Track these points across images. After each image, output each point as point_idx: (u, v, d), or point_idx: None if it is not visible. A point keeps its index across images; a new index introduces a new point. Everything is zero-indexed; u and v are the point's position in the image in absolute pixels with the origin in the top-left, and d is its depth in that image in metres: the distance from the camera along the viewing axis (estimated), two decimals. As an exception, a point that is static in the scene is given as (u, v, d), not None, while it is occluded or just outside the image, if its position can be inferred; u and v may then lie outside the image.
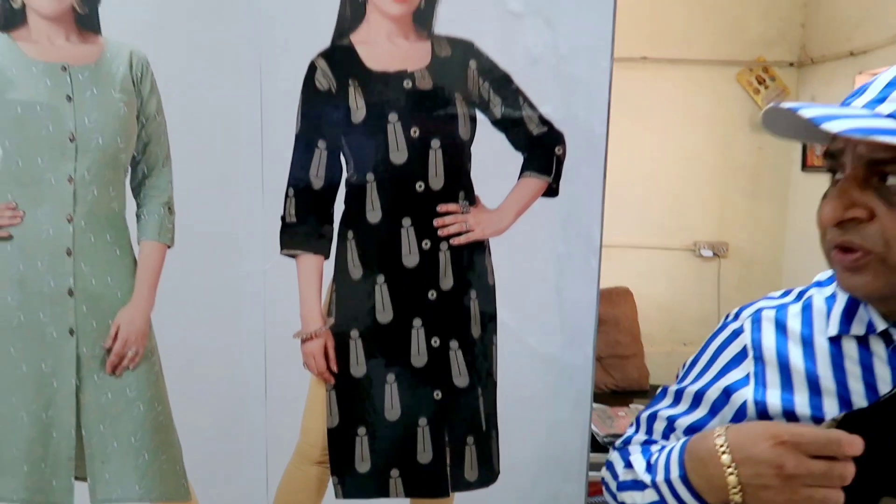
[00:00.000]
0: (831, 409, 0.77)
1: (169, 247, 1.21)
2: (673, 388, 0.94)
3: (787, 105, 0.68)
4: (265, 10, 1.14)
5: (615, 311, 3.61)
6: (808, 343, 0.80)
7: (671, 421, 0.92)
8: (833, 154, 0.72)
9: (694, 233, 4.07)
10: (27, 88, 1.16)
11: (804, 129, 0.70)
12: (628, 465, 0.90)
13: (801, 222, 3.80)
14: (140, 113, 1.18)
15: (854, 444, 0.64)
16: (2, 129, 1.16)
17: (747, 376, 0.84)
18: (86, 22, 1.16)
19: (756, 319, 0.85)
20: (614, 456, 0.95)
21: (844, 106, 0.71)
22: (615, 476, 0.92)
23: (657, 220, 3.95)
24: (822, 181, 0.76)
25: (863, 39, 3.25)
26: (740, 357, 0.85)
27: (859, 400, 0.76)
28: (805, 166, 3.72)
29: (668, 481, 0.78)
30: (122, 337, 1.22)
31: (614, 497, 0.91)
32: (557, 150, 1.19)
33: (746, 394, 0.83)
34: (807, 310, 0.83)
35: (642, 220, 3.85)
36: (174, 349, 1.23)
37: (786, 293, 0.87)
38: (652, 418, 0.95)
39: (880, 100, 0.69)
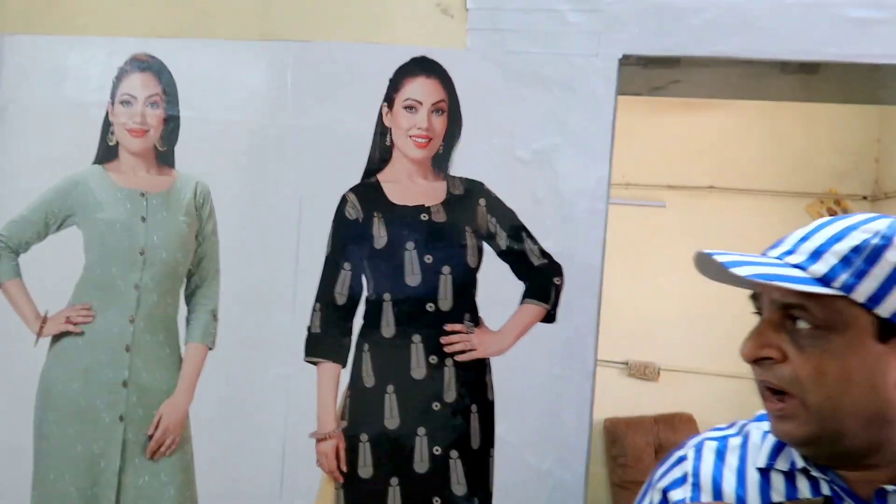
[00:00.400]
0: None
1: (210, 349, 1.38)
2: None
3: (706, 251, 0.77)
4: (307, 149, 1.35)
5: (676, 436, 3.55)
6: (741, 473, 0.86)
7: None
8: (755, 297, 0.79)
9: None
10: (111, 210, 1.39)
11: (729, 275, 0.78)
12: None
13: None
14: (199, 233, 1.39)
15: None
16: (88, 243, 1.40)
17: (683, 500, 0.89)
18: (164, 158, 1.40)
19: (698, 448, 0.91)
20: None
21: (762, 256, 0.79)
22: None
23: (723, 345, 3.91)
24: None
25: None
26: (680, 482, 0.90)
27: None
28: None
29: None
30: (163, 426, 1.38)
31: None
32: (556, 281, 1.31)
33: None
34: (744, 443, 0.88)
35: (708, 345, 3.82)
36: (206, 440, 1.38)
37: (730, 426, 0.93)
38: None
39: (790, 252, 0.75)
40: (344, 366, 1.35)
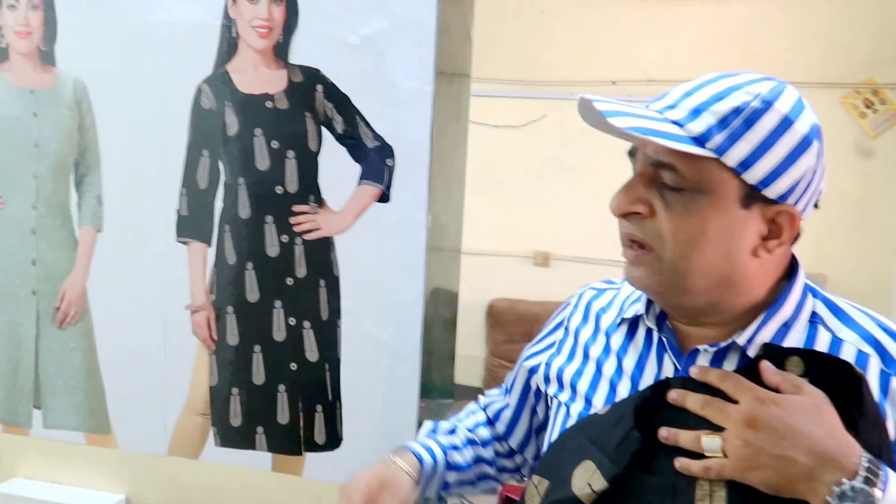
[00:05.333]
0: (588, 374, 0.87)
1: (99, 231, 1.55)
2: None
3: (588, 96, 0.72)
4: (165, 44, 1.44)
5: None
6: (597, 323, 0.91)
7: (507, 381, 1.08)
8: (632, 152, 0.77)
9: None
10: (7, 107, 1.55)
11: (608, 125, 0.72)
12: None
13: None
14: (80, 126, 1.53)
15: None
16: (-8, 138, 1.57)
17: (554, 342, 0.96)
18: (46, 57, 1.53)
19: (580, 296, 0.97)
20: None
21: (644, 108, 0.74)
22: None
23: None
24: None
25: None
26: (558, 326, 0.98)
27: (609, 370, 0.85)
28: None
29: None
30: (67, 299, 1.57)
31: None
32: (388, 162, 1.38)
33: (543, 357, 0.96)
34: (616, 295, 0.93)
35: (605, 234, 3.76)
36: (99, 312, 1.56)
37: (622, 281, 0.94)
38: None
39: (672, 106, 0.72)
40: (209, 245, 1.49)
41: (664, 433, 0.71)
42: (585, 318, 0.93)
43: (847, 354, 0.73)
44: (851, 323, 0.75)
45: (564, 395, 0.89)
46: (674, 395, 0.73)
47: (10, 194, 1.57)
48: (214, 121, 1.44)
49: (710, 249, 0.71)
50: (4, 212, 1.58)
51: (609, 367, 0.86)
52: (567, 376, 0.90)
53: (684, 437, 0.69)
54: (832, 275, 3.73)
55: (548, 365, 0.94)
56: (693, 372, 0.73)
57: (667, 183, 0.71)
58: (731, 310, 0.75)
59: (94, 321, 1.58)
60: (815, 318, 0.76)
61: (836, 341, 0.74)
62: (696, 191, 0.70)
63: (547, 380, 0.94)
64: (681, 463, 0.68)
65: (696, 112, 0.70)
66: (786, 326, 0.75)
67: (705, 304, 0.75)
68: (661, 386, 0.75)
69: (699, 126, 0.69)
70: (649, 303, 0.83)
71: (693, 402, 0.71)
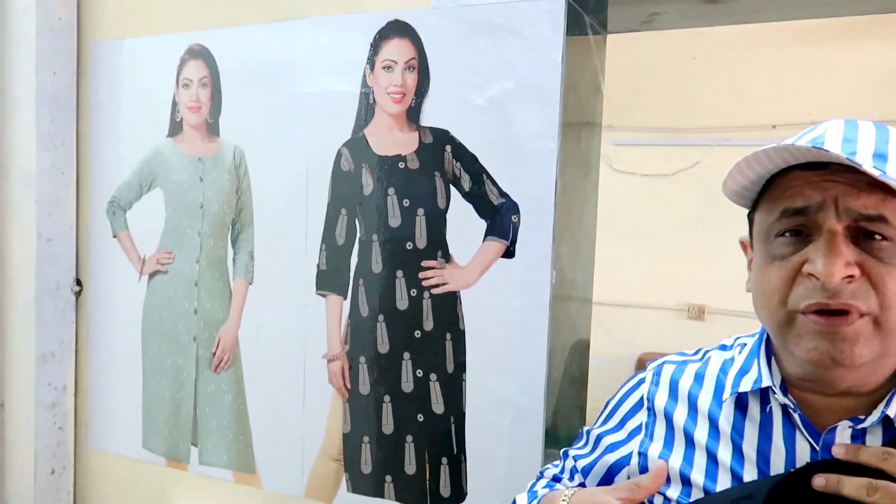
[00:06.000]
0: (700, 463, 0.79)
1: (250, 283, 1.68)
2: (587, 429, 1.02)
3: (829, 150, 0.64)
4: (310, 113, 1.57)
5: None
6: (693, 403, 0.84)
7: (575, 461, 1.00)
8: (802, 211, 0.68)
9: None
10: (179, 173, 1.74)
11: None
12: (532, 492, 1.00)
13: None
14: (238, 188, 1.68)
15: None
16: (167, 200, 1.77)
17: (640, 426, 0.89)
18: (212, 128, 1.71)
19: (657, 372, 0.91)
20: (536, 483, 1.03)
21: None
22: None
23: None
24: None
25: None
26: (639, 406, 0.91)
27: (726, 457, 0.77)
28: None
29: None
30: (221, 345, 1.72)
31: None
32: (514, 219, 1.40)
33: (634, 445, 0.89)
34: (702, 369, 0.86)
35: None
36: (249, 359, 1.69)
37: (696, 352, 0.90)
38: (565, 456, 1.04)
39: (882, 156, 0.66)
40: (345, 297, 1.57)
41: None
42: (674, 397, 0.85)
43: None
44: None
45: (674, 491, 0.81)
46: (821, 482, 0.64)
47: (178, 249, 1.76)
48: (352, 181, 1.54)
49: None
50: (174, 265, 1.77)
51: (724, 454, 0.77)
52: (674, 468, 0.81)
53: None
54: None
55: (642, 454, 0.86)
56: (838, 452, 0.65)
57: (876, 237, 0.65)
58: (883, 376, 0.68)
59: (244, 367, 1.71)
60: None
61: None
62: None
63: (644, 472, 0.85)
64: None
65: (881, 158, 0.65)
66: None
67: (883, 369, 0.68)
68: (802, 472, 0.66)
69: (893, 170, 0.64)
70: (744, 374, 0.76)
71: (851, 487, 0.62)
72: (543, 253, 1.38)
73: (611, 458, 0.93)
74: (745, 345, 0.85)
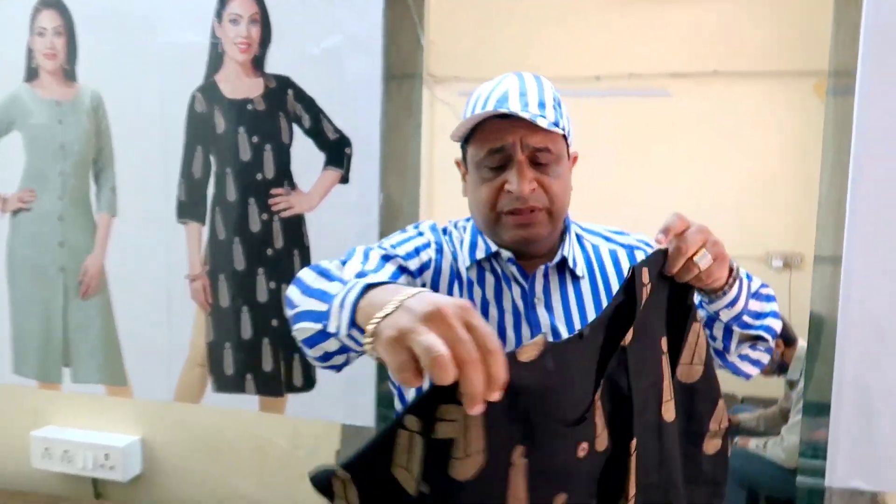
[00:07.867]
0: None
1: (113, 216, 1.86)
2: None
3: (507, 110, 0.92)
4: (165, 63, 1.76)
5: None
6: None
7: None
8: (499, 150, 0.96)
9: (766, 244, 4.11)
10: (38, 116, 1.87)
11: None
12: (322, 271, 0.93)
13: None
14: (97, 130, 1.85)
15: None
16: (26, 143, 1.90)
17: (429, 242, 1.06)
18: (68, 74, 1.85)
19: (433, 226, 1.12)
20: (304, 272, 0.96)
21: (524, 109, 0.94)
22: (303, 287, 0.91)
23: (727, 231, 4.05)
24: None
25: None
26: (421, 235, 1.09)
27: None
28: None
29: (344, 298, 0.74)
30: (88, 273, 1.90)
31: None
32: (347, 150, 1.68)
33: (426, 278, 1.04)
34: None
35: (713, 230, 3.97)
36: (116, 285, 1.88)
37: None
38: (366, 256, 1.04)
39: (541, 104, 0.96)
40: (204, 224, 1.80)
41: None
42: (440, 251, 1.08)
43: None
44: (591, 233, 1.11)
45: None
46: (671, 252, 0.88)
47: (41, 188, 1.90)
48: (206, 122, 1.76)
49: (567, 197, 1.01)
50: (37, 203, 1.91)
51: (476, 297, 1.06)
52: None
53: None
54: (810, 253, 3.95)
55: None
56: (660, 238, 0.88)
57: (542, 160, 0.97)
58: (552, 241, 1.04)
59: (111, 293, 1.89)
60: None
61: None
62: (559, 160, 0.98)
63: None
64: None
65: (542, 106, 0.97)
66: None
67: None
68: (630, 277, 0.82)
69: (552, 115, 0.97)
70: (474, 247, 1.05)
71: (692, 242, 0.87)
72: (372, 180, 1.67)
73: (404, 262, 1.03)
74: (465, 227, 1.12)
